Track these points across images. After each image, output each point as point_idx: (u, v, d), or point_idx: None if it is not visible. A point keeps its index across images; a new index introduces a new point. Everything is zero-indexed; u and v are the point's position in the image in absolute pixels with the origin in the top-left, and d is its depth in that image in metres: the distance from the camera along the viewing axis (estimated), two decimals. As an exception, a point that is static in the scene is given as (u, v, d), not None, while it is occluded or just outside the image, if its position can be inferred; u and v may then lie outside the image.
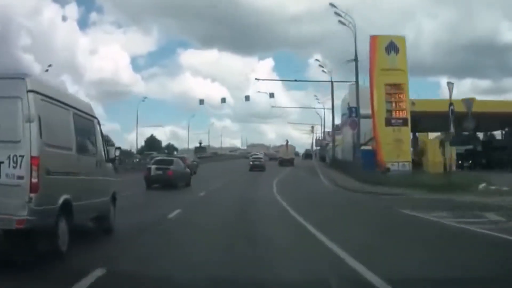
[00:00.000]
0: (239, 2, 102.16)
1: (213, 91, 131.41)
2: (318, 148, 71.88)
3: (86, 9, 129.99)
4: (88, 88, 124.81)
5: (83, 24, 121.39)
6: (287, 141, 63.99)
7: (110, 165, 8.46)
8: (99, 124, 8.10)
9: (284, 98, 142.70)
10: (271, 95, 50.55)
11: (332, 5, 28.73)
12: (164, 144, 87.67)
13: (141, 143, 70.27)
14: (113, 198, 8.30)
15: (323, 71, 43.68)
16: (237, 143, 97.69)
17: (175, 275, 5.12)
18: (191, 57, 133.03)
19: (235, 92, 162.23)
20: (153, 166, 20.85)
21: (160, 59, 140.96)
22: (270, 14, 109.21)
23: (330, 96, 45.12)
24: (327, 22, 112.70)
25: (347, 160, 35.32)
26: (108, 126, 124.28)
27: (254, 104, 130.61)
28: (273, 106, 72.35)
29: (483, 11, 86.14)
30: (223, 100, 56.41)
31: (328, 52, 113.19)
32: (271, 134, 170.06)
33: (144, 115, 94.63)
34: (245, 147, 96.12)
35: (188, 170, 24.29)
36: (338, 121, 48.75)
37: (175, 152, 67.54)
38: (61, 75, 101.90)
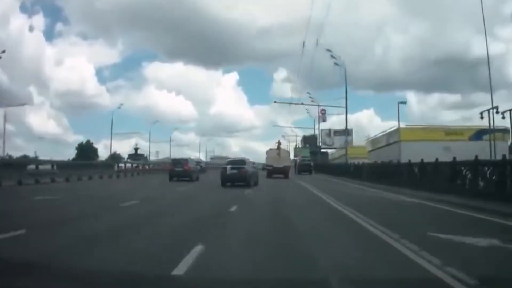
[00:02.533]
0: (207, 15, 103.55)
1: (178, 105, 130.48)
2: (297, 159, 60.94)
3: (53, 20, 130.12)
4: (53, 99, 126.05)
5: (50, 34, 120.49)
6: (279, 143, 44.25)
7: None
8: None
9: (248, 112, 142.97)
10: None
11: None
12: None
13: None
14: None
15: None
16: (201, 155, 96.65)
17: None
18: (156, 70, 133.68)
19: (199, 106, 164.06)
20: (228, 166, 23.01)
21: (125, 71, 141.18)
22: (237, 27, 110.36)
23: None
24: (293, 37, 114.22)
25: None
26: (73, 138, 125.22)
27: (219, 118, 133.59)
28: (274, 125, 66.42)
29: (452, 25, 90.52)
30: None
31: (293, 67, 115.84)
32: (235, 148, 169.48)
33: (108, 126, 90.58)
34: (209, 159, 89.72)
35: (256, 170, 27.20)
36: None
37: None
38: (28, 86, 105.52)
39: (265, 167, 40.54)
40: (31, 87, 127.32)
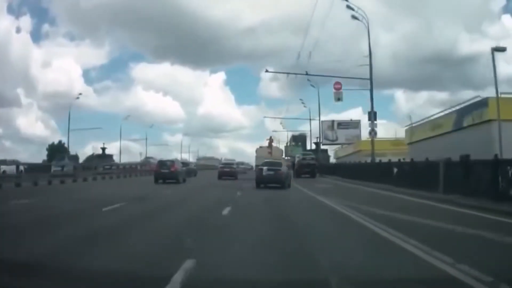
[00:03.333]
0: (193, 14, 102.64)
1: (165, 105, 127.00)
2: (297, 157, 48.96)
3: (39, 21, 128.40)
4: (41, 101, 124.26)
5: (36, 36, 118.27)
6: (270, 139, 41.52)
7: None
8: None
9: (235, 112, 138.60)
10: None
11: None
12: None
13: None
14: None
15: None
16: (188, 156, 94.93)
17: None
18: (143, 70, 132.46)
19: (187, 106, 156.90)
20: (264, 167, 22.83)
21: (112, 72, 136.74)
22: (224, 26, 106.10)
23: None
24: (280, 35, 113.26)
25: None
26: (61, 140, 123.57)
27: (207, 118, 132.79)
28: (265, 117, 59.27)
29: (441, 23, 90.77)
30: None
31: (281, 66, 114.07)
32: (224, 149, 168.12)
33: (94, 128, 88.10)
34: (194, 160, 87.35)
35: (290, 171, 27.26)
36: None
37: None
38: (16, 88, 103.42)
39: (256, 169, 31.34)
40: (19, 89, 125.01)
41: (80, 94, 58.83)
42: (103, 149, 65.38)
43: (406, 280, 4.65)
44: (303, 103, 54.94)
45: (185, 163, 38.81)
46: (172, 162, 29.60)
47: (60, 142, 73.98)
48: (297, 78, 37.63)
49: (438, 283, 4.67)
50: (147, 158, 56.96)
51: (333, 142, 62.34)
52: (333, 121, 61.08)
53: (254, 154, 36.34)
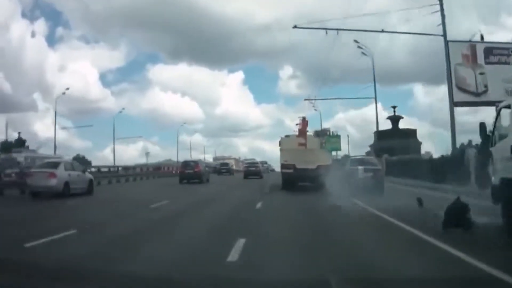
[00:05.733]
0: (207, 13, 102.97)
1: (183, 106, 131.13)
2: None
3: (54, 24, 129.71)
4: (58, 105, 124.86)
5: (51, 39, 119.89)
6: (304, 122, 25.01)
7: None
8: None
9: (256, 112, 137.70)
10: None
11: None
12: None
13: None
14: None
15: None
16: (209, 157, 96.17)
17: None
18: (160, 71, 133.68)
19: (205, 106, 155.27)
20: (360, 168, 17.30)
21: (129, 74, 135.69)
22: (239, 25, 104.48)
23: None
24: (296, 32, 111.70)
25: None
26: (78, 143, 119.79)
27: (225, 118, 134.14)
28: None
29: (459, 14, 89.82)
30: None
31: (298, 63, 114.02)
32: (243, 148, 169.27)
33: (116, 130, 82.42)
34: (211, 160, 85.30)
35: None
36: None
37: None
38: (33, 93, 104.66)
39: (282, 169, 20.77)
40: (36, 93, 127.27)
41: (67, 88, 50.95)
42: (19, 141, 47.39)
43: None
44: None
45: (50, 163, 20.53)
46: (196, 162, 31.84)
47: (20, 138, 52.36)
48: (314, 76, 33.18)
49: None
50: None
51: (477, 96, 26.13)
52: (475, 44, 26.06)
53: (278, 147, 22.00)
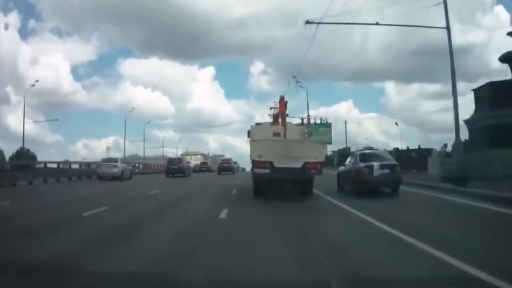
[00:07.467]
0: (181, 8, 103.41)
1: (154, 101, 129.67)
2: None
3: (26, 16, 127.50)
4: (31, 99, 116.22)
5: (24, 32, 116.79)
6: (282, 101, 16.78)
7: None
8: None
9: (227, 107, 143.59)
10: None
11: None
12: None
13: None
14: None
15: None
16: (177, 152, 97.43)
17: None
18: (131, 65, 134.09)
19: (176, 102, 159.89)
20: (375, 164, 14.11)
21: (100, 68, 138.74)
22: (212, 19, 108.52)
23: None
24: (270, 28, 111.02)
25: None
26: (51, 138, 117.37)
27: (196, 113, 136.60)
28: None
29: (433, 14, 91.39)
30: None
31: (271, 60, 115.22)
32: (214, 144, 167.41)
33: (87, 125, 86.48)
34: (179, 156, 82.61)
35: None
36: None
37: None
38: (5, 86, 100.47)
39: (253, 167, 14.81)
40: (8, 87, 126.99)
41: (37, 81, 49.50)
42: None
43: None
44: (300, 85, 42.92)
45: (112, 159, 31.97)
46: (180, 159, 36.29)
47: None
48: (286, 73, 30.56)
49: None
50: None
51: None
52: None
53: (247, 139, 16.51)
